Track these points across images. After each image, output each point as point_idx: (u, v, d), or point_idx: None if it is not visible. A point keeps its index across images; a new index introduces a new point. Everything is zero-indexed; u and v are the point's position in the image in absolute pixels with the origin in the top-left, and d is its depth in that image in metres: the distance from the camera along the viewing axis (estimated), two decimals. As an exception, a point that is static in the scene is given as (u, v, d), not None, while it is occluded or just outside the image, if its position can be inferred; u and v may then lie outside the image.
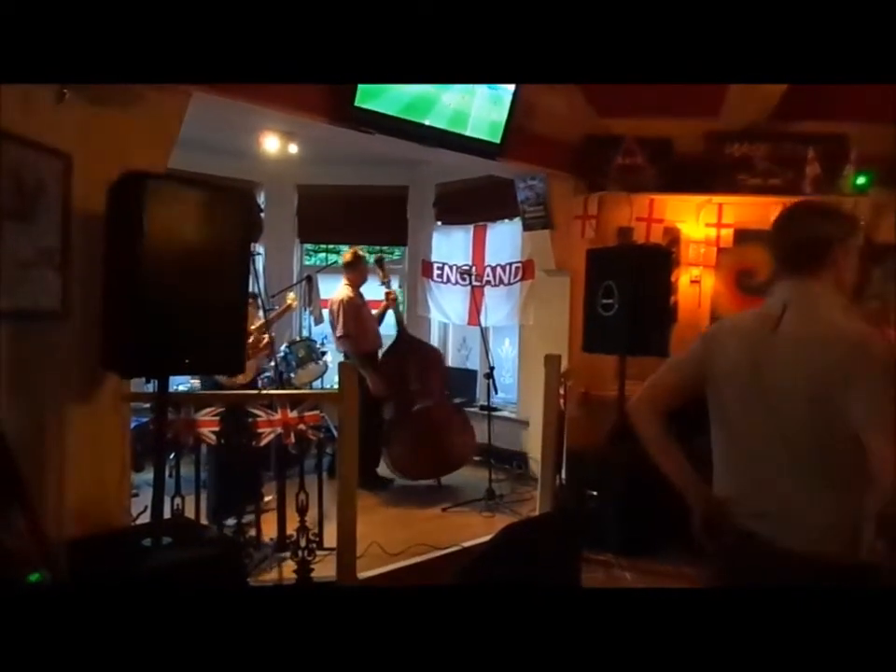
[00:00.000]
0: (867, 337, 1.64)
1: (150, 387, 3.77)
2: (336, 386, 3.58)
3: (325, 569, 3.50)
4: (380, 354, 5.66)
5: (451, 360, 7.20)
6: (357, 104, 3.66)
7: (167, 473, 3.20)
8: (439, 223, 7.07)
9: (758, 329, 1.79)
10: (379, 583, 3.57)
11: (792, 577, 1.64)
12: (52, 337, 2.70)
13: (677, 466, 1.90)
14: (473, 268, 6.43)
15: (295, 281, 6.63)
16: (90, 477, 2.85)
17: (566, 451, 4.74)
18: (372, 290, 5.79)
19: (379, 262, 5.75)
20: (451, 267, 6.84)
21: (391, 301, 5.68)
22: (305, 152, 5.87)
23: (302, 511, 3.51)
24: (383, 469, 5.53)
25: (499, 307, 6.38)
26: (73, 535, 2.65)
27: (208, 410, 3.39)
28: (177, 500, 3.28)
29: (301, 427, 3.58)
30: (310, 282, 5.89)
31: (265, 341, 4.68)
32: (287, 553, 3.54)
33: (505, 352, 6.85)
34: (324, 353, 5.75)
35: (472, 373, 6.83)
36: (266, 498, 4.19)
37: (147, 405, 3.65)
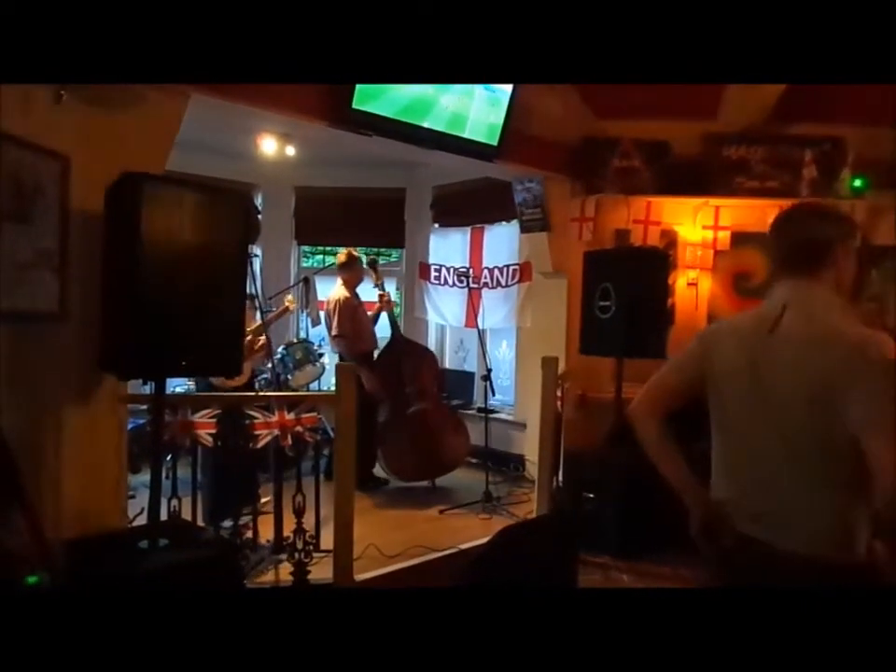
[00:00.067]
0: (866, 338, 1.64)
1: (147, 389, 3.78)
2: (333, 388, 3.58)
3: (322, 571, 3.49)
4: (375, 355, 5.67)
5: (448, 362, 7.20)
6: (354, 106, 3.66)
7: (164, 475, 3.20)
8: (436, 225, 7.07)
9: (756, 329, 1.79)
10: (376, 585, 3.57)
11: (791, 579, 1.64)
12: (50, 338, 2.69)
13: (675, 469, 1.90)
14: (470, 270, 6.43)
15: (292, 283, 6.63)
16: (86, 478, 2.84)
17: (563, 453, 4.74)
18: (366, 292, 5.79)
19: (372, 264, 5.76)
20: (448, 269, 6.84)
21: (385, 302, 5.69)
22: (303, 154, 5.88)
23: (299, 512, 3.51)
24: (378, 471, 5.53)
25: (497, 309, 6.38)
26: (69, 536, 2.64)
27: (205, 411, 3.38)
28: (174, 502, 3.28)
29: (299, 428, 3.58)
30: (307, 284, 5.89)
31: (261, 342, 4.67)
32: (284, 555, 3.53)
33: (502, 354, 6.86)
34: (321, 355, 5.75)
35: (469, 375, 6.84)
36: (263, 500, 4.18)
37: (144, 407, 3.65)
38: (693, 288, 5.13)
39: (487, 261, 6.58)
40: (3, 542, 1.82)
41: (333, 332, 5.39)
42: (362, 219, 7.05)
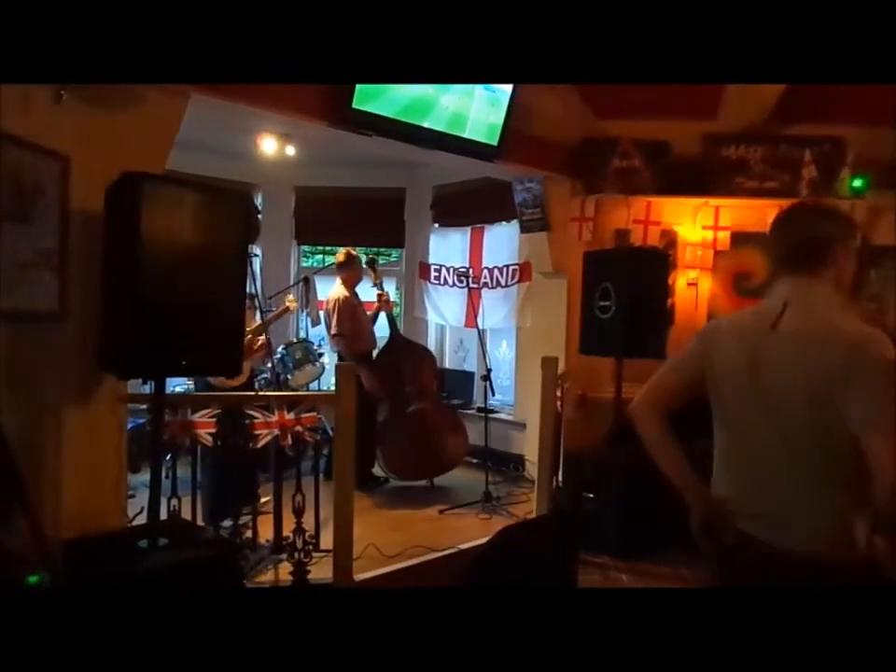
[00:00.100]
0: (867, 336, 1.65)
1: (147, 389, 3.78)
2: (333, 388, 3.58)
3: (321, 571, 3.49)
4: (374, 354, 5.67)
5: (448, 362, 7.21)
6: (354, 105, 3.66)
7: (163, 474, 3.20)
8: (436, 225, 7.07)
9: (757, 327, 1.79)
10: (376, 585, 3.57)
11: (791, 577, 1.64)
12: (50, 338, 2.69)
13: (677, 467, 1.90)
14: (470, 270, 6.43)
15: (292, 283, 6.63)
16: (86, 478, 2.84)
17: (562, 453, 4.74)
18: (366, 292, 5.80)
19: (371, 264, 5.76)
20: (448, 269, 6.85)
21: (384, 302, 5.69)
22: (303, 154, 5.88)
23: (299, 512, 3.51)
24: (377, 470, 5.54)
25: (497, 309, 6.39)
26: (69, 535, 2.64)
27: (205, 411, 3.38)
28: (174, 502, 3.28)
29: (298, 428, 3.57)
30: (307, 283, 5.89)
31: (260, 343, 4.67)
32: (284, 555, 3.53)
33: (502, 354, 6.86)
34: (321, 354, 5.75)
35: (469, 375, 6.84)
36: (262, 500, 4.18)
37: (144, 406, 3.65)
38: (692, 288, 5.14)
39: (487, 261, 6.58)
40: (4, 542, 1.83)
41: (333, 331, 5.40)
42: (362, 219, 7.05)
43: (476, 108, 4.25)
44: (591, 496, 4.49)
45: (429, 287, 7.01)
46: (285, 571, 3.51)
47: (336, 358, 5.46)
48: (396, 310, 7.05)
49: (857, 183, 4.63)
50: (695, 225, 5.10)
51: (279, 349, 5.53)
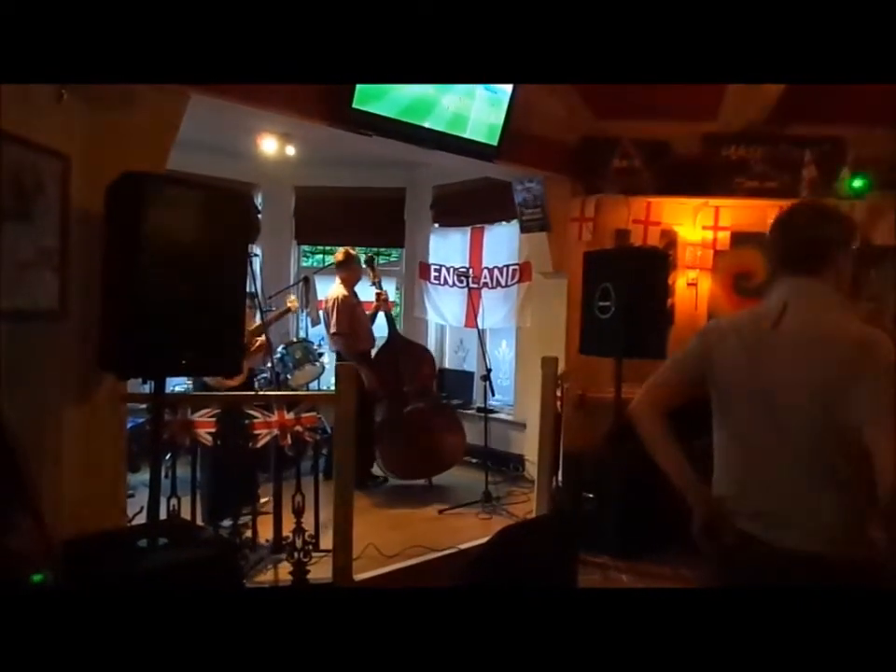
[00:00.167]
0: (869, 336, 1.65)
1: (147, 388, 3.77)
2: (333, 388, 3.58)
3: (321, 571, 3.49)
4: (373, 353, 5.68)
5: (448, 362, 7.21)
6: (354, 105, 3.66)
7: (163, 474, 3.20)
8: (436, 225, 7.07)
9: (758, 327, 1.79)
10: (375, 585, 3.57)
11: (792, 577, 1.64)
12: (50, 337, 2.69)
13: (677, 466, 1.90)
14: (470, 270, 6.43)
15: (292, 282, 6.63)
16: (86, 477, 2.84)
17: (562, 453, 4.74)
18: (365, 292, 5.80)
19: (370, 263, 5.76)
20: (448, 269, 6.84)
21: (382, 301, 5.69)
22: (303, 154, 5.87)
23: (299, 512, 3.51)
24: (376, 469, 5.54)
25: (496, 309, 6.39)
26: (68, 535, 2.64)
27: (205, 411, 3.38)
28: (173, 501, 3.28)
29: (298, 428, 3.57)
30: (307, 283, 5.89)
31: (258, 343, 4.66)
32: (284, 555, 3.53)
33: (502, 354, 6.86)
34: (321, 354, 5.75)
35: (469, 375, 6.84)
36: (262, 500, 4.18)
37: (144, 406, 3.65)
38: (692, 289, 5.14)
39: (487, 261, 6.58)
40: (8, 544, 1.83)
41: (332, 330, 5.40)
42: (362, 219, 7.05)
43: (477, 108, 4.25)
44: (591, 496, 4.49)
45: (429, 287, 7.01)
46: (284, 571, 3.51)
47: (335, 358, 5.46)
48: (396, 310, 7.05)
49: (857, 183, 4.63)
50: (695, 225, 5.10)
51: (279, 349, 5.53)
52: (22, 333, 2.56)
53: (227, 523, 3.74)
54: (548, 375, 4.40)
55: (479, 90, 4.23)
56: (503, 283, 6.37)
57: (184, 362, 2.67)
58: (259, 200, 6.86)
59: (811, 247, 1.78)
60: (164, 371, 2.73)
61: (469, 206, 6.57)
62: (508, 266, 6.34)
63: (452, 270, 6.79)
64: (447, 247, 6.97)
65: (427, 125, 4.05)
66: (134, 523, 3.26)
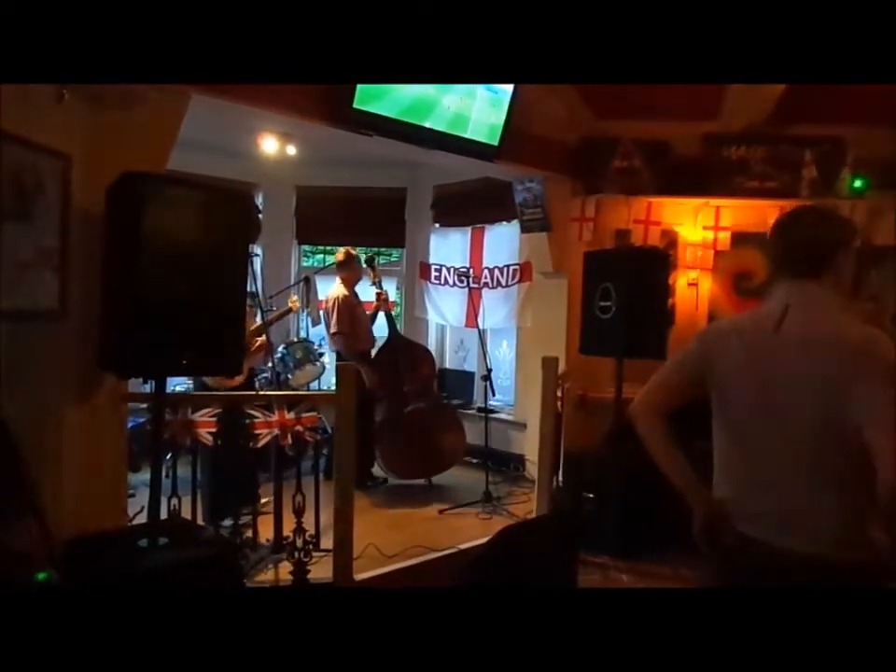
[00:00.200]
0: (871, 337, 1.66)
1: (147, 388, 3.78)
2: (333, 388, 3.58)
3: (321, 571, 3.49)
4: (373, 354, 5.68)
5: (448, 362, 7.21)
6: (355, 105, 3.66)
7: (164, 474, 3.20)
8: (436, 225, 7.06)
9: (759, 329, 1.80)
10: (376, 585, 3.57)
11: (793, 578, 1.64)
12: (50, 337, 2.70)
13: (677, 468, 1.90)
14: (471, 270, 6.43)
15: (293, 282, 6.63)
16: (86, 477, 2.85)
17: (563, 453, 4.74)
18: (365, 292, 5.80)
19: (370, 263, 5.76)
20: (448, 269, 6.84)
21: (382, 301, 5.69)
22: (303, 154, 5.88)
23: (299, 512, 3.51)
24: (376, 470, 5.54)
25: (497, 309, 6.38)
26: (69, 534, 2.64)
27: (205, 410, 3.38)
28: (174, 501, 3.28)
29: (299, 428, 3.58)
30: (307, 283, 5.89)
31: (258, 343, 4.65)
32: (284, 555, 3.53)
33: (502, 354, 6.86)
34: (321, 354, 5.75)
35: (470, 375, 6.84)
36: (262, 501, 4.18)
37: (145, 405, 3.65)
38: (693, 289, 5.14)
39: (487, 261, 6.57)
40: (12, 543, 1.83)
41: (332, 330, 5.40)
42: (363, 219, 7.05)
43: (478, 109, 4.25)
44: (591, 496, 4.49)
45: (430, 287, 7.01)
46: (285, 571, 3.51)
47: (336, 358, 5.46)
48: (396, 310, 7.05)
49: (857, 183, 4.63)
50: (696, 225, 5.10)
51: (280, 349, 5.53)
52: (22, 333, 2.56)
53: (227, 522, 3.74)
54: (548, 375, 4.40)
55: (480, 90, 4.23)
56: (504, 283, 6.37)
57: (184, 362, 2.67)
58: (259, 200, 6.85)
59: (811, 250, 1.79)
60: (165, 370, 2.73)
61: (470, 206, 6.57)
62: (508, 266, 6.34)
63: (452, 270, 6.79)
64: (448, 247, 6.97)
65: (427, 125, 4.05)
66: (135, 522, 3.26)
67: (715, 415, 1.91)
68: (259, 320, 4.59)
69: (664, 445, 1.92)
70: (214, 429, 3.38)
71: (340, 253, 5.63)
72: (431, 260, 7.03)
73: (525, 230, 5.50)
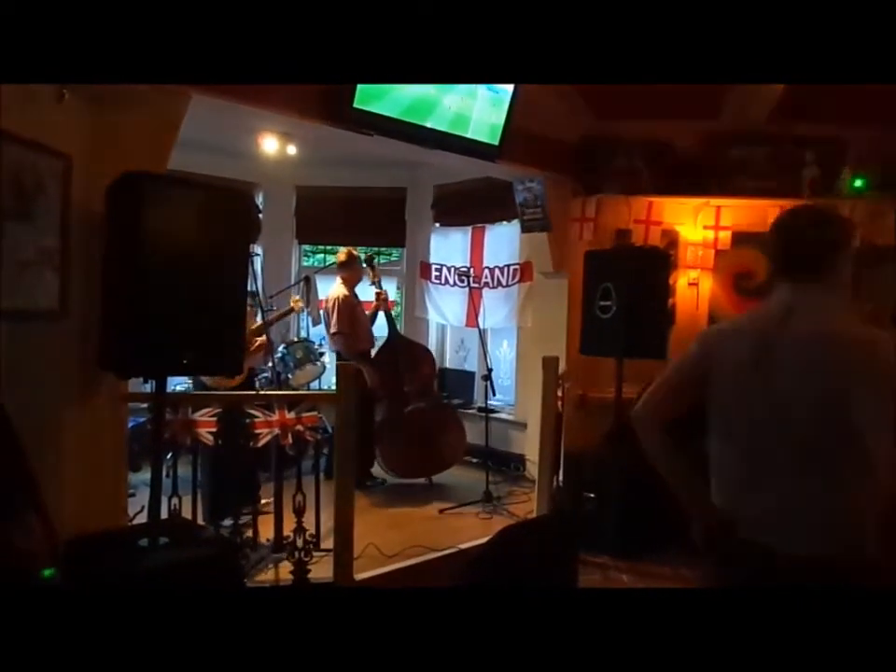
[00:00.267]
0: (874, 338, 1.66)
1: (148, 387, 3.78)
2: (334, 387, 3.58)
3: (322, 570, 3.49)
4: (372, 354, 5.68)
5: (448, 362, 7.21)
6: (356, 105, 3.66)
7: (164, 473, 3.20)
8: (437, 225, 7.06)
9: (761, 331, 1.79)
10: (376, 585, 3.57)
11: (795, 581, 1.64)
12: (50, 337, 2.70)
13: (680, 480, 1.89)
14: (471, 270, 6.43)
15: (293, 282, 6.63)
16: (87, 476, 2.85)
17: (563, 453, 4.75)
18: (364, 291, 5.80)
19: (369, 262, 5.76)
20: (449, 269, 6.84)
21: (382, 301, 5.69)
22: (304, 153, 5.87)
23: (299, 512, 3.51)
24: (376, 471, 5.54)
25: (497, 309, 6.38)
26: (70, 534, 2.65)
27: (206, 410, 3.39)
28: (174, 501, 3.28)
29: (299, 427, 3.58)
30: (308, 283, 5.89)
31: (257, 343, 4.65)
32: (284, 554, 3.53)
33: (503, 354, 6.85)
34: (322, 354, 5.75)
35: (470, 375, 6.84)
36: (263, 502, 4.18)
37: (145, 405, 3.65)
38: (693, 288, 5.14)
39: (488, 261, 6.57)
40: (17, 543, 1.84)
41: (332, 330, 5.40)
42: (363, 219, 7.04)
43: (479, 108, 4.25)
44: (591, 496, 4.49)
45: (430, 287, 7.01)
46: (285, 570, 3.51)
47: (336, 358, 5.46)
48: (396, 309, 7.05)
49: (858, 183, 4.63)
50: (696, 225, 5.10)
51: (280, 348, 5.53)
52: (22, 333, 2.56)
53: (228, 522, 3.74)
54: (549, 375, 4.40)
55: (481, 89, 4.22)
56: (504, 283, 6.37)
57: (184, 362, 2.67)
58: (259, 199, 6.85)
59: (810, 249, 1.79)
60: (165, 370, 2.73)
61: (470, 206, 6.57)
62: (509, 266, 6.34)
63: (453, 269, 6.78)
64: (448, 247, 6.97)
65: (429, 125, 4.04)
66: (135, 522, 3.26)
67: (713, 420, 1.89)
68: (259, 320, 4.59)
69: (665, 456, 1.90)
70: (214, 429, 3.38)
71: (342, 253, 5.63)
72: (432, 260, 7.03)
73: (525, 229, 5.50)
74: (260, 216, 6.18)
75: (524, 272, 6.12)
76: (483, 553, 2.10)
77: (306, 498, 3.57)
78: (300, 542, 3.45)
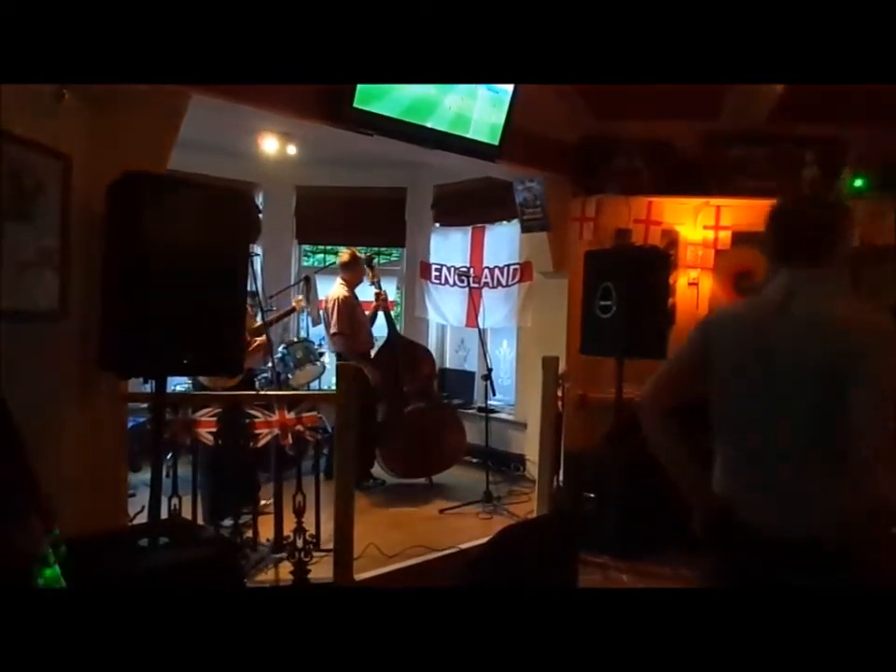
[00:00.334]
0: (874, 319, 1.68)
1: (147, 388, 3.78)
2: (334, 387, 3.58)
3: (322, 571, 3.50)
4: (372, 354, 5.68)
5: (449, 362, 7.21)
6: (356, 105, 3.66)
7: (164, 473, 3.20)
8: (437, 225, 7.06)
9: (762, 315, 1.80)
10: (376, 585, 3.57)
11: (795, 566, 1.64)
12: (50, 337, 2.70)
13: (679, 468, 1.89)
14: (471, 269, 6.43)
15: (293, 282, 6.63)
16: (87, 477, 2.84)
17: (563, 453, 4.75)
18: (363, 291, 5.80)
19: (369, 262, 5.75)
20: (449, 269, 6.84)
21: (382, 301, 5.69)
22: (304, 153, 5.88)
23: (299, 512, 3.51)
24: (377, 471, 5.54)
25: (497, 309, 6.38)
26: (69, 534, 2.64)
27: (206, 410, 3.39)
28: (174, 501, 3.28)
29: (299, 428, 3.58)
30: (308, 283, 5.89)
31: (256, 343, 4.65)
32: (284, 555, 3.53)
33: (503, 354, 6.85)
34: (321, 354, 5.75)
35: (470, 375, 6.84)
36: (262, 502, 4.18)
37: (145, 405, 3.65)
38: (693, 288, 5.15)
39: (488, 261, 6.57)
40: (19, 543, 1.84)
41: (332, 330, 5.40)
42: (363, 219, 7.05)
43: (479, 108, 4.25)
44: (591, 495, 4.49)
45: (430, 287, 7.01)
46: (285, 571, 3.51)
47: (336, 358, 5.46)
48: (396, 309, 7.05)
49: (858, 183, 4.62)
50: (696, 225, 5.11)
51: (280, 348, 5.53)
52: (22, 333, 2.56)
53: (228, 522, 3.74)
54: (549, 375, 4.40)
55: (481, 90, 4.22)
56: (504, 282, 6.37)
57: (184, 362, 2.67)
58: (259, 199, 6.85)
59: (808, 237, 1.79)
60: (165, 370, 2.74)
61: (470, 206, 6.57)
62: (508, 266, 6.34)
63: (453, 269, 6.78)
64: (448, 247, 6.97)
65: (429, 125, 4.04)
66: (135, 522, 3.26)
67: (716, 407, 1.89)
68: (259, 320, 4.59)
69: (666, 443, 1.91)
70: (214, 429, 3.38)
71: (345, 254, 5.63)
72: (432, 260, 7.03)
73: (525, 229, 5.50)
74: (260, 216, 6.19)
75: (523, 272, 6.12)
76: (484, 553, 2.10)
77: (306, 499, 3.57)
78: (300, 542, 3.45)
